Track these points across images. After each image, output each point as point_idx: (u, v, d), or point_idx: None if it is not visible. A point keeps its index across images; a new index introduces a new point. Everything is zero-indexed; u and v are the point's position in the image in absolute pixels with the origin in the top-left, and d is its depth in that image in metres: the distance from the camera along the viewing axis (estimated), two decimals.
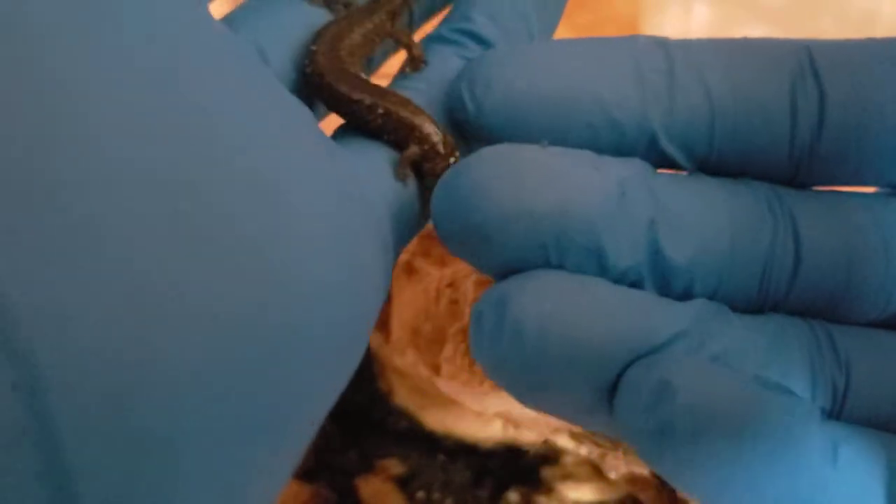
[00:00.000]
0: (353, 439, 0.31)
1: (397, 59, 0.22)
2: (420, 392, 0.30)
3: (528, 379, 0.14)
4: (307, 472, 0.30)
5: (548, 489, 0.29)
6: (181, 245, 0.11)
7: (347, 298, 0.15)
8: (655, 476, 0.26)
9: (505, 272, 0.15)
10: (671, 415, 0.13)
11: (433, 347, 0.28)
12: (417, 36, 0.21)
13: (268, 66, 0.19)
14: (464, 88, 0.16)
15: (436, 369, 0.28)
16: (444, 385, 0.28)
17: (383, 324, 0.30)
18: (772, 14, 0.57)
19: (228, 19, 0.19)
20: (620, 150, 0.16)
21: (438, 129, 0.19)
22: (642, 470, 0.26)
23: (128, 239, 0.11)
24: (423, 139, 0.18)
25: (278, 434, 0.13)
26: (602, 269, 0.14)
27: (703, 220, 0.15)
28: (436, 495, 0.29)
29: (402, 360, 0.29)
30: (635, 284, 0.15)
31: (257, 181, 0.13)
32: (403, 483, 0.30)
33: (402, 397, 0.31)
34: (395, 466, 0.30)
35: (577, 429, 0.26)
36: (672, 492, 0.26)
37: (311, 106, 0.18)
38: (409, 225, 0.19)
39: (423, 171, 0.19)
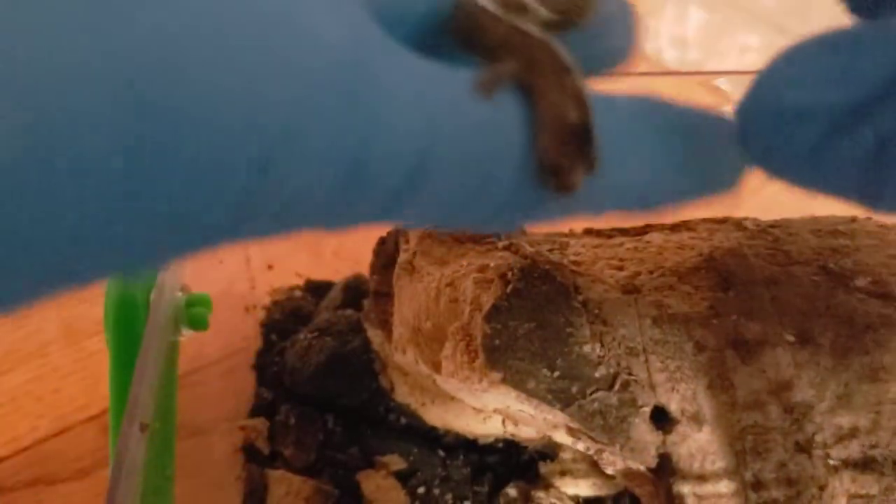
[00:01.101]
0: (354, 435, 0.31)
1: None
2: (420, 389, 0.30)
3: None
4: (309, 468, 0.30)
5: (546, 484, 0.29)
6: None
7: None
8: (652, 472, 0.27)
9: None
10: None
11: (433, 345, 0.28)
12: None
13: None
14: None
15: (436, 367, 0.28)
16: (444, 382, 0.28)
17: (384, 322, 0.30)
18: (767, 17, 0.58)
19: None
20: None
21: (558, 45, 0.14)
22: (639, 466, 0.27)
23: None
24: (533, 55, 0.14)
25: None
26: None
27: None
28: (436, 490, 0.29)
29: (403, 357, 0.29)
30: None
31: None
32: (404, 478, 0.30)
33: (403, 394, 0.31)
34: (396, 462, 0.30)
35: (574, 425, 0.26)
36: (668, 487, 0.26)
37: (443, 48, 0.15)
38: (476, 166, 0.13)
39: (534, 94, 0.14)
